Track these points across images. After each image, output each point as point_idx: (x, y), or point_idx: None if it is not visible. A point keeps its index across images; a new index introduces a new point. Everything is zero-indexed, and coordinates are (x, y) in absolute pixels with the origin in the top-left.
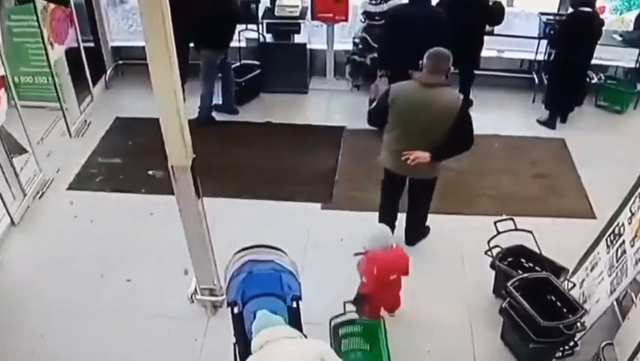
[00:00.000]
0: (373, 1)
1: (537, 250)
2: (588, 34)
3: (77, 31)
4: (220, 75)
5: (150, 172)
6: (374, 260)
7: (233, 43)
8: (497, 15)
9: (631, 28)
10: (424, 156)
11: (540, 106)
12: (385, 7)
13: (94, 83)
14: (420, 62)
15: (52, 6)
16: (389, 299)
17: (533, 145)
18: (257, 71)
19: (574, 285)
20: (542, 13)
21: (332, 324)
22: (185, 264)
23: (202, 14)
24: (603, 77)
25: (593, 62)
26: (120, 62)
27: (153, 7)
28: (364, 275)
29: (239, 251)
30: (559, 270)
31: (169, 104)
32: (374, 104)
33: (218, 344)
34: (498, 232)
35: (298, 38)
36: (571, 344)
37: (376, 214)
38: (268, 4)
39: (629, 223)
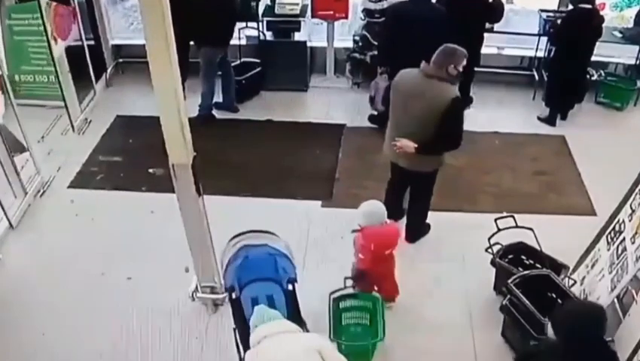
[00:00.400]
0: None
1: (537, 247)
2: (588, 31)
3: (80, 26)
4: (220, 73)
5: (150, 170)
6: (371, 236)
7: (234, 41)
8: (497, 12)
9: (631, 24)
10: (408, 145)
11: (540, 103)
12: (385, 4)
13: (95, 81)
14: (422, 59)
15: (54, 2)
16: (385, 277)
17: (533, 142)
18: (258, 69)
19: (575, 282)
20: (542, 10)
21: (332, 298)
22: (186, 262)
23: (202, 12)
24: (603, 74)
25: (593, 58)
26: (121, 60)
27: (154, 5)
28: (361, 252)
29: (234, 237)
30: (559, 267)
31: (170, 102)
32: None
33: (219, 341)
34: (499, 229)
35: (298, 36)
36: None
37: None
38: (268, 2)
39: (630, 220)
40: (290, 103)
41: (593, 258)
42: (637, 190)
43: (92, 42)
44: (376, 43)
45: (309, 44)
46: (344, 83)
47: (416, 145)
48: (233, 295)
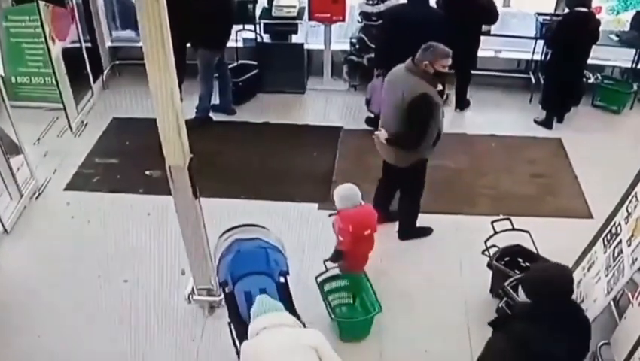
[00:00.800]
0: (370, 2)
1: (534, 250)
2: (584, 34)
3: (78, 27)
4: (217, 75)
5: (147, 172)
6: (348, 218)
7: (231, 44)
8: (492, 13)
9: (627, 28)
10: (381, 135)
11: (537, 106)
12: (382, 7)
13: (92, 83)
14: None
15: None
16: (364, 255)
17: (530, 145)
18: (255, 72)
19: None
20: (539, 14)
21: (318, 281)
22: (182, 264)
23: (199, 14)
24: (600, 77)
25: (590, 62)
26: (118, 62)
27: (151, 7)
28: (340, 234)
29: (225, 232)
30: None
31: (167, 104)
32: None
33: (216, 344)
34: (495, 232)
35: (295, 38)
36: None
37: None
38: (265, 5)
39: (626, 223)
40: (287, 105)
41: (590, 260)
42: (633, 193)
43: (89, 44)
44: (373, 45)
45: (306, 47)
46: (341, 85)
47: (387, 136)
48: (227, 290)
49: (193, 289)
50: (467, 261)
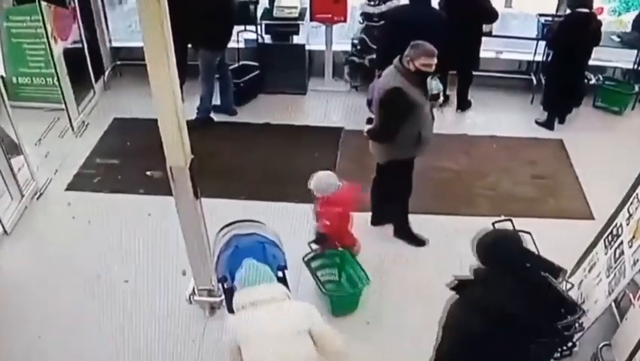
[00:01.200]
0: (372, 2)
1: (535, 251)
2: (585, 35)
3: (80, 27)
4: (218, 76)
5: (148, 173)
6: (336, 202)
7: (232, 44)
8: (489, 12)
9: (629, 29)
10: (365, 128)
11: (538, 107)
12: (383, 8)
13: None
14: None
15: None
16: (345, 232)
17: (531, 146)
18: (256, 72)
19: (573, 286)
20: (540, 15)
21: (305, 260)
22: (183, 265)
23: (200, 14)
24: (601, 78)
25: (591, 63)
26: (119, 62)
27: (152, 8)
28: (327, 218)
29: (223, 228)
30: (556, 271)
31: (168, 104)
32: None
33: (216, 344)
34: None
35: (297, 39)
36: (569, 344)
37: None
38: (267, 5)
39: (627, 224)
40: (288, 106)
41: (591, 262)
42: (634, 194)
43: (90, 44)
44: (374, 46)
45: (307, 47)
46: (342, 86)
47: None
48: (225, 286)
49: (193, 289)
50: (467, 262)
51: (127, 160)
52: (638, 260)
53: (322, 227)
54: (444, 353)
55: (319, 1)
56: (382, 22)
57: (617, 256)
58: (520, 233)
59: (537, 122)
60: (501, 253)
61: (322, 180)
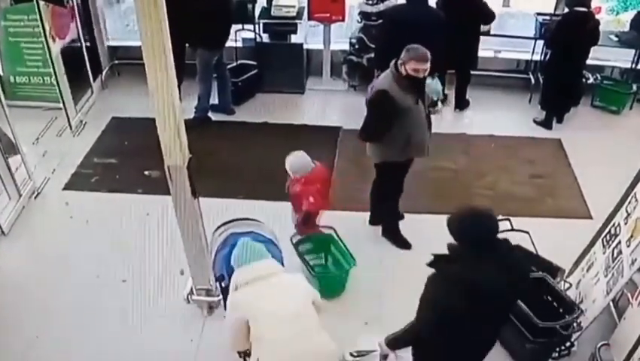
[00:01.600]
0: (370, 1)
1: (533, 251)
2: (583, 34)
3: (78, 26)
4: (216, 75)
5: (146, 172)
6: (316, 179)
7: (230, 43)
8: (486, 13)
9: (627, 28)
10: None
11: (536, 106)
12: (381, 7)
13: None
14: None
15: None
16: (327, 208)
17: (529, 145)
18: (254, 71)
19: (571, 285)
20: (538, 14)
21: (293, 242)
22: (181, 264)
23: (198, 13)
24: (599, 78)
25: (589, 62)
26: (117, 61)
27: (150, 7)
28: (312, 196)
29: (220, 226)
30: (555, 270)
31: (166, 104)
32: None
33: (214, 344)
34: None
35: (295, 38)
36: (568, 344)
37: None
38: (264, 4)
39: (625, 223)
40: (286, 105)
41: (589, 261)
42: (632, 194)
43: (88, 43)
44: (372, 45)
45: (305, 47)
46: (340, 85)
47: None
48: (223, 284)
49: (192, 289)
50: None
51: (125, 159)
52: (636, 259)
53: (307, 205)
54: (422, 327)
55: (317, 1)
56: (380, 21)
57: (615, 255)
58: (518, 231)
59: (535, 122)
60: (473, 230)
61: (299, 160)
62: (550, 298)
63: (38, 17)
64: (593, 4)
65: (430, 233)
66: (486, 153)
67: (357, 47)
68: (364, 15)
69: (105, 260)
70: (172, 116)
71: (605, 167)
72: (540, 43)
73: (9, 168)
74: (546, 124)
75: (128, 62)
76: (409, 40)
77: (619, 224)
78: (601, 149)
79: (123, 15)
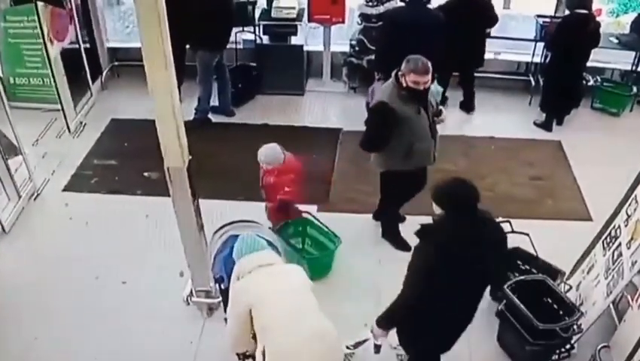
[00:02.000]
0: (370, 3)
1: (533, 253)
2: (584, 36)
3: (77, 28)
4: (216, 77)
5: (145, 174)
6: (287, 170)
7: (230, 45)
8: (492, 16)
9: (627, 30)
10: None
11: (536, 108)
12: (381, 9)
13: (90, 84)
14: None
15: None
16: (302, 196)
17: (529, 147)
18: (254, 73)
19: (571, 287)
20: (539, 16)
21: (274, 230)
22: (181, 266)
23: (199, 15)
24: (599, 80)
25: (589, 64)
26: (116, 63)
27: (150, 8)
28: (287, 186)
29: (220, 228)
30: (555, 272)
31: (165, 105)
32: None
33: (214, 346)
34: None
35: (295, 40)
36: (568, 346)
37: (371, 216)
38: (265, 6)
39: (626, 226)
40: (286, 107)
41: (589, 263)
42: (633, 196)
43: (87, 45)
44: (372, 47)
45: (305, 48)
46: (340, 87)
47: None
48: (222, 286)
49: (191, 290)
50: None
51: (125, 161)
52: (636, 262)
53: (284, 194)
54: (409, 294)
55: (317, 2)
56: (380, 23)
57: (616, 257)
58: (518, 233)
59: (535, 124)
60: (453, 196)
61: (271, 152)
62: (550, 301)
63: (37, 20)
64: (594, 7)
65: None
66: (486, 154)
67: (357, 48)
68: (364, 17)
69: (105, 261)
70: (171, 118)
71: (605, 169)
72: (541, 45)
73: (8, 170)
74: (546, 126)
75: (128, 64)
76: (410, 42)
77: (619, 226)
78: (601, 151)
79: (123, 16)
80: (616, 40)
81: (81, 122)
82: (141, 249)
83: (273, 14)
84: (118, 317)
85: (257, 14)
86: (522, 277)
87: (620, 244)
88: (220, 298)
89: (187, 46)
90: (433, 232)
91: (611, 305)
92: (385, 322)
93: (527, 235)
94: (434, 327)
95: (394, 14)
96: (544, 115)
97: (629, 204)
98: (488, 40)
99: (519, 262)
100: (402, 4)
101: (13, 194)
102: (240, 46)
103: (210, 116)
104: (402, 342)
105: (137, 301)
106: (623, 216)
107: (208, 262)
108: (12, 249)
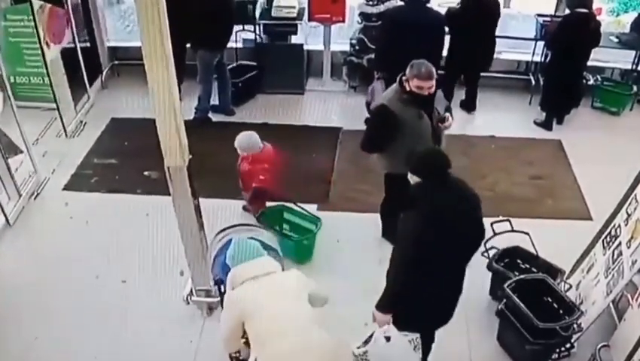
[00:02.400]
0: (370, 3)
1: (533, 252)
2: (584, 35)
3: (73, 31)
4: (216, 76)
5: (145, 173)
6: (261, 159)
7: (230, 44)
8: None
9: (627, 29)
10: None
11: (537, 107)
12: (381, 8)
13: (90, 84)
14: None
15: (48, 6)
16: (278, 186)
17: (529, 146)
18: (254, 72)
19: (571, 286)
20: (539, 15)
21: (256, 216)
22: (181, 265)
23: (199, 14)
24: (599, 79)
25: (590, 63)
26: (117, 62)
27: (150, 7)
28: (261, 174)
29: (220, 232)
30: (555, 271)
31: (166, 104)
32: None
33: (214, 345)
34: (495, 233)
35: (295, 39)
36: (568, 345)
37: (371, 215)
38: (265, 5)
39: (626, 225)
40: (286, 106)
41: (589, 262)
42: (633, 195)
43: (87, 44)
44: (373, 46)
45: (305, 47)
46: (341, 86)
47: None
48: (222, 289)
49: (191, 290)
50: None
51: (125, 160)
52: (636, 261)
53: (258, 182)
54: (399, 264)
55: (317, 1)
56: (380, 22)
57: (616, 256)
58: (518, 232)
59: (535, 123)
60: (426, 162)
61: (247, 139)
62: (550, 300)
63: (33, 23)
64: (594, 6)
65: None
66: (486, 153)
67: (357, 47)
68: (364, 16)
69: (105, 261)
70: (172, 117)
71: (605, 168)
72: (541, 44)
73: (9, 169)
74: (546, 125)
75: (128, 63)
76: (410, 41)
77: (619, 225)
78: (602, 150)
79: (124, 15)
80: (616, 40)
81: (81, 122)
82: (141, 248)
83: (273, 13)
84: (118, 316)
85: (257, 13)
86: (522, 276)
87: (620, 243)
88: (220, 299)
89: (188, 45)
90: (417, 199)
91: (611, 304)
92: (383, 303)
93: (527, 234)
94: (427, 298)
95: (394, 13)
96: (544, 114)
97: (629, 203)
98: None
99: (519, 261)
100: (402, 3)
101: (13, 193)
102: (240, 45)
103: (210, 115)
104: (399, 323)
105: (137, 301)
106: (623, 215)
107: (209, 261)
108: (12, 248)
